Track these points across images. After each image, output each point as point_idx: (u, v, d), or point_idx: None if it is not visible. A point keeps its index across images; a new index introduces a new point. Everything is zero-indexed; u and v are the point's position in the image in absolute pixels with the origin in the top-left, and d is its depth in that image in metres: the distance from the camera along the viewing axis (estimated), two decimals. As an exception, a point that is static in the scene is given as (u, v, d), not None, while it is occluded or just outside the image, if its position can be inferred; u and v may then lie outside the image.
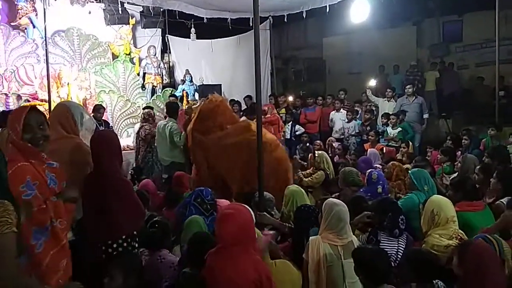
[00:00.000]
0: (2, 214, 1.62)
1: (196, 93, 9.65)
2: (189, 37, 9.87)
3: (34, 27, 8.64)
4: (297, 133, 8.26)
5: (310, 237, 2.78)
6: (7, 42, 8.43)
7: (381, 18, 9.57)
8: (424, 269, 2.40)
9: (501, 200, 3.49)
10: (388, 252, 2.77)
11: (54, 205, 2.09)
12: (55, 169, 2.19)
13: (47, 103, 6.56)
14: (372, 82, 9.29)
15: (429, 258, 2.50)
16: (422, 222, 3.08)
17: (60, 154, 2.45)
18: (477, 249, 2.27)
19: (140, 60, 9.82)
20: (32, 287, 1.78)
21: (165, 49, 10.45)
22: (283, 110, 8.80)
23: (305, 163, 5.79)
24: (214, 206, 3.45)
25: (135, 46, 9.87)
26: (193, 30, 9.66)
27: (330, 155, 6.15)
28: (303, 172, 5.26)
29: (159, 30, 9.90)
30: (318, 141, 7.09)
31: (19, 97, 7.82)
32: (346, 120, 8.16)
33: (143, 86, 9.69)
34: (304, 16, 8.80)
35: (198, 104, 6.17)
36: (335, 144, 7.07)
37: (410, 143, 6.77)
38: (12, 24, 8.61)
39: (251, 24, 8.54)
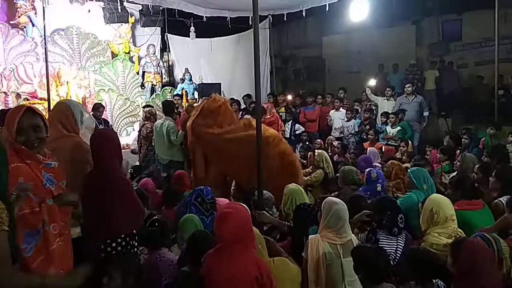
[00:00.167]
0: None
1: (195, 92, 9.65)
2: (189, 36, 9.86)
3: (33, 25, 8.64)
4: (297, 132, 8.26)
5: (310, 236, 2.79)
6: (6, 40, 8.44)
7: (380, 17, 9.58)
8: (423, 267, 2.40)
9: (500, 199, 3.50)
10: (387, 250, 2.78)
11: (49, 208, 2.07)
12: (53, 169, 2.19)
13: (47, 102, 6.56)
14: (372, 81, 9.30)
15: (428, 257, 2.50)
16: (421, 221, 3.09)
17: (60, 153, 2.45)
18: (470, 247, 2.26)
19: (140, 58, 9.82)
20: (31, 280, 1.76)
21: (165, 47, 10.46)
22: (283, 109, 8.81)
23: (305, 162, 5.79)
24: (214, 206, 3.45)
25: (135, 45, 9.87)
26: (192, 28, 9.66)
27: (329, 154, 6.16)
28: (302, 170, 5.26)
29: (159, 28, 9.90)
30: (319, 140, 7.10)
31: (18, 95, 7.82)
32: (346, 119, 8.16)
33: (142, 85, 9.70)
34: (304, 15, 8.79)
35: (199, 102, 6.17)
36: (335, 143, 7.08)
37: (410, 142, 6.78)
38: (11, 22, 8.61)
39: (250, 23, 8.57)
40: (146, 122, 6.55)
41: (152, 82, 9.74)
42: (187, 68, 10.04)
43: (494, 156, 4.86)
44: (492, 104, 7.37)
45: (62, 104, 3.10)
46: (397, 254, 2.87)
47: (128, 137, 8.46)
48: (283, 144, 4.62)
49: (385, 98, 8.46)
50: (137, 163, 6.29)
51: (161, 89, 9.69)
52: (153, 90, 9.73)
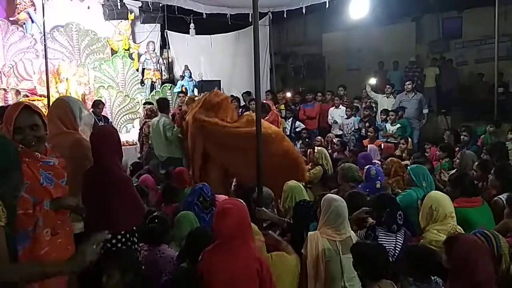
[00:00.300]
0: None
1: (195, 88, 9.64)
2: (188, 33, 9.84)
3: (32, 22, 8.62)
4: (297, 129, 8.26)
5: (309, 232, 2.79)
6: (6, 37, 8.41)
7: (380, 14, 9.55)
8: (422, 264, 2.41)
9: (500, 196, 3.50)
10: (386, 247, 2.78)
11: (45, 213, 2.05)
12: (51, 167, 2.18)
13: (46, 99, 6.56)
14: (372, 79, 9.30)
15: (427, 254, 2.51)
16: (421, 218, 3.09)
17: (60, 149, 2.45)
18: (464, 244, 2.24)
19: (139, 55, 9.81)
20: (30, 269, 1.72)
21: (164, 44, 10.44)
22: (283, 106, 8.80)
23: (305, 159, 5.79)
24: (214, 202, 3.46)
25: (134, 42, 9.85)
26: (192, 25, 9.63)
27: (329, 151, 6.16)
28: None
29: (158, 25, 9.88)
30: (319, 137, 7.10)
31: (18, 92, 7.82)
32: (345, 116, 8.16)
33: (142, 82, 9.69)
34: (304, 12, 8.77)
35: (200, 96, 6.12)
36: (335, 140, 7.08)
37: (409, 139, 6.79)
38: (10, 19, 8.59)
39: (250, 20, 8.53)
40: (147, 120, 6.54)
41: (151, 79, 9.73)
42: (186, 65, 10.03)
43: (494, 154, 4.86)
44: (491, 102, 7.38)
45: (61, 100, 3.08)
46: (396, 251, 2.87)
47: (128, 134, 8.46)
48: (286, 141, 4.61)
49: (385, 95, 8.46)
50: (137, 160, 6.29)
51: (160, 86, 9.67)
52: (152, 87, 9.72)
